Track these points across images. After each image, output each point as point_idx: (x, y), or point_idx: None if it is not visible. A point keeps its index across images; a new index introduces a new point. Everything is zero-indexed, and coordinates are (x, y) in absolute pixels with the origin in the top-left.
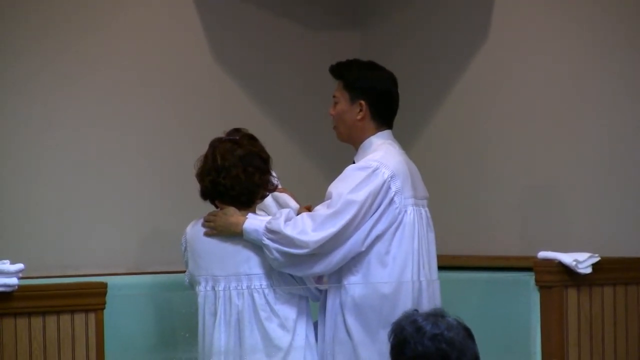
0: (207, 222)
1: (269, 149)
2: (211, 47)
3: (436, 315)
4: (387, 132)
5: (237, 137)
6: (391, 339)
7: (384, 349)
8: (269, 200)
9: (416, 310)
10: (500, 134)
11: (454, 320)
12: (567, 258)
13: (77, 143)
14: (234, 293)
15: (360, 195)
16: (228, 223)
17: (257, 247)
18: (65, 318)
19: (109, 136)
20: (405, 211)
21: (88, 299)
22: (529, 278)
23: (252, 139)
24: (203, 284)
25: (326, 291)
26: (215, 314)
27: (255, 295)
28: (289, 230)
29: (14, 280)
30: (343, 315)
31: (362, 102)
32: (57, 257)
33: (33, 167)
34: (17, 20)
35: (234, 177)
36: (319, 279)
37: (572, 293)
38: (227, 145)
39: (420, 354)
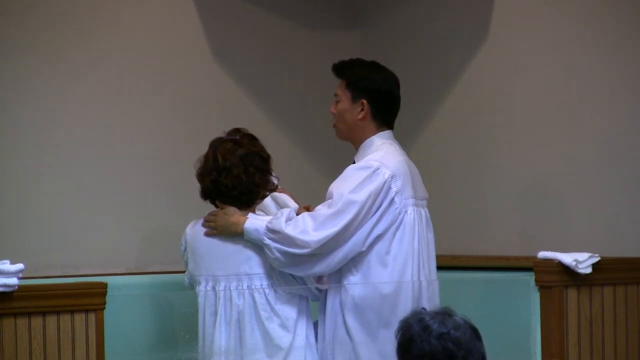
0: (207, 222)
1: (269, 148)
2: (211, 47)
3: (443, 314)
4: (387, 132)
5: (238, 137)
6: (398, 337)
7: (384, 349)
8: (268, 200)
9: (424, 308)
10: (500, 134)
11: (461, 319)
12: (567, 258)
13: (76, 143)
14: (234, 293)
15: (361, 195)
16: (229, 223)
17: (257, 247)
18: (65, 318)
19: (109, 136)
20: (406, 211)
21: (88, 299)
22: (529, 278)
23: (252, 138)
24: (203, 283)
25: (326, 291)
26: (215, 313)
27: (256, 295)
28: (290, 230)
29: (14, 280)
30: (343, 315)
31: (364, 101)
32: (57, 257)
33: (33, 167)
34: (17, 19)
35: (235, 177)
36: (319, 278)
37: (572, 293)
38: (228, 145)
39: (426, 352)
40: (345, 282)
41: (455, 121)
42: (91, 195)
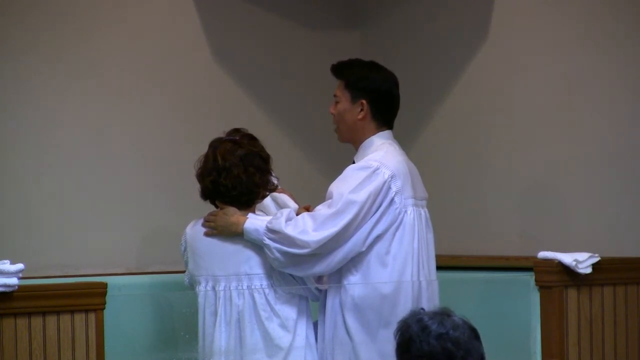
0: (207, 222)
1: (269, 148)
2: (211, 47)
3: (442, 314)
4: (387, 132)
5: (237, 137)
6: (397, 337)
7: (383, 349)
8: (267, 200)
9: (422, 308)
10: (500, 133)
11: (460, 319)
12: (567, 258)
13: (76, 143)
14: (234, 293)
15: (361, 196)
16: (229, 223)
17: (257, 247)
18: (65, 318)
19: (109, 136)
20: (405, 211)
21: (88, 299)
22: (529, 278)
23: (252, 139)
24: (203, 283)
25: (326, 291)
26: (215, 313)
27: (256, 295)
28: (290, 230)
29: (14, 280)
30: (343, 315)
31: (364, 101)
32: (57, 257)
33: (33, 167)
34: (17, 19)
35: (235, 177)
36: (319, 279)
37: (572, 293)
38: (228, 145)
39: (425, 353)
40: (345, 282)
41: (455, 121)
42: (91, 195)
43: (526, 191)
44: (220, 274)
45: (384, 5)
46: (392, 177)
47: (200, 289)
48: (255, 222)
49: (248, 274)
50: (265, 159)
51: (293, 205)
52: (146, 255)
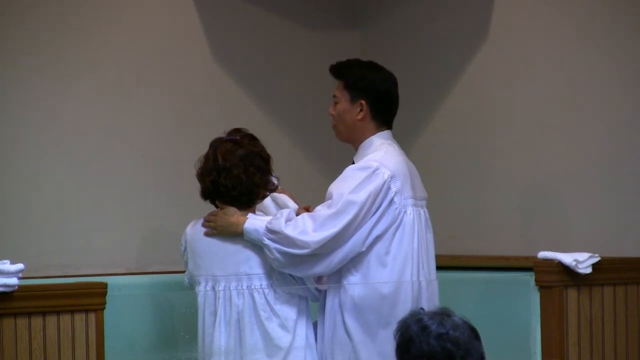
0: (207, 222)
1: (269, 148)
2: (211, 47)
3: (442, 314)
4: (387, 132)
5: (238, 137)
6: (396, 337)
7: (383, 349)
8: (267, 200)
9: (422, 308)
10: (500, 134)
11: (459, 319)
12: (567, 258)
13: (76, 143)
14: (234, 293)
15: (361, 196)
16: (228, 223)
17: (257, 247)
18: (65, 318)
19: (109, 136)
20: (405, 211)
21: (88, 299)
22: (529, 278)
23: (252, 139)
24: (203, 283)
25: (326, 291)
26: (215, 313)
27: (256, 295)
28: (289, 231)
29: (14, 280)
30: (342, 315)
31: (363, 102)
32: (57, 257)
33: (33, 167)
34: (17, 19)
35: (235, 177)
36: (318, 279)
37: (572, 293)
38: (228, 145)
39: (425, 353)
40: (344, 283)
41: (455, 121)
42: (91, 195)
43: (526, 191)
44: (220, 274)
45: (384, 5)
46: (391, 178)
47: (200, 289)
48: (255, 222)
49: (248, 274)
50: (265, 159)
51: (293, 205)
52: (146, 255)
